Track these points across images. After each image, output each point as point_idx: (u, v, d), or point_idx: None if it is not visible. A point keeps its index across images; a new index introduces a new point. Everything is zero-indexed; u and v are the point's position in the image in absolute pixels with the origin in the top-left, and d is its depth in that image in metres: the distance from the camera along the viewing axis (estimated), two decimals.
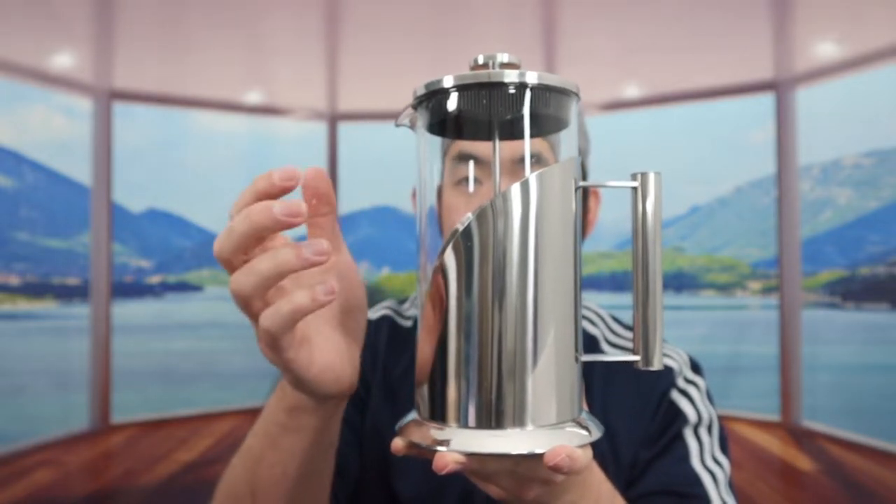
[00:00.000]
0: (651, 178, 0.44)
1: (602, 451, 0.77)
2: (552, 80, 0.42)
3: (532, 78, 0.41)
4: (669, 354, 0.83)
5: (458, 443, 0.41)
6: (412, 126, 0.46)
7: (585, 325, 0.88)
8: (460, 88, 0.42)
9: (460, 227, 0.41)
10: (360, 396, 0.84)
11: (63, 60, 4.45)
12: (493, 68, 0.42)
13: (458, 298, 0.41)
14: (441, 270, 0.42)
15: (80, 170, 5.08)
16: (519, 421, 0.41)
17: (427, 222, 0.47)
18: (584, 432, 0.42)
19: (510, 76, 0.41)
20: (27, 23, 3.90)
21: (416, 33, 4.32)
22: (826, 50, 4.31)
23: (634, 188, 0.44)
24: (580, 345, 0.44)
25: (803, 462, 3.98)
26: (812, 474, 3.77)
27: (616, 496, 0.57)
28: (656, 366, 0.43)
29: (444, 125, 0.45)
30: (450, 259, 0.41)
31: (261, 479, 0.58)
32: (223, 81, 5.22)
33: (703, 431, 0.78)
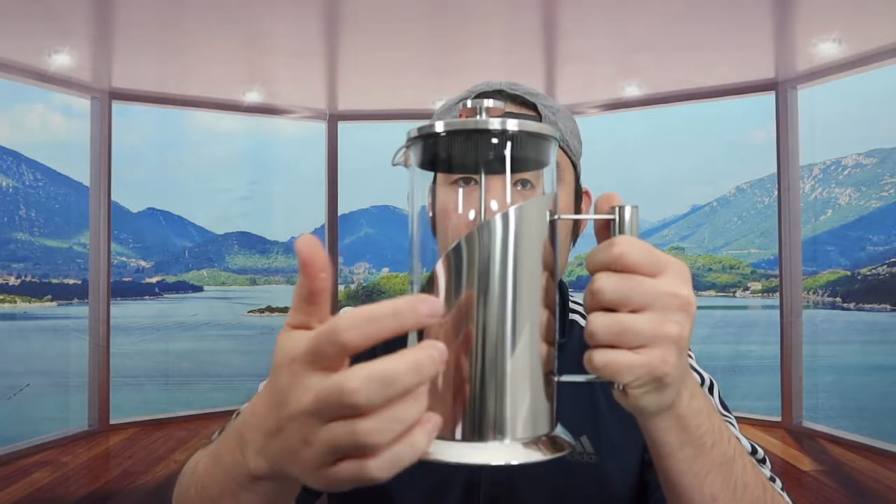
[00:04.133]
0: (627, 211, 0.48)
1: (617, 432, 0.80)
2: (532, 126, 0.46)
3: (513, 125, 0.45)
4: None
5: (443, 453, 0.44)
6: (405, 164, 0.50)
7: (579, 318, 0.91)
8: (450, 134, 0.46)
9: (449, 249, 0.45)
10: None
11: (62, 60, 4.44)
12: (481, 114, 0.47)
13: (444, 317, 0.45)
14: (429, 289, 0.45)
15: (79, 170, 5.07)
16: (498, 434, 0.44)
17: (418, 237, 0.50)
18: (551, 448, 0.46)
19: (494, 124, 0.45)
20: (26, 23, 3.89)
21: (415, 33, 4.31)
22: (826, 50, 4.30)
23: (612, 220, 0.48)
24: (555, 365, 0.48)
25: (804, 462, 3.98)
26: (813, 474, 3.77)
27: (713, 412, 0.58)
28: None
29: (434, 163, 0.50)
30: (438, 277, 0.45)
31: None
32: (223, 81, 5.21)
33: (705, 391, 0.81)
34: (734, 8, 3.80)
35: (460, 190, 0.66)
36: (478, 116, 0.47)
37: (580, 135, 0.88)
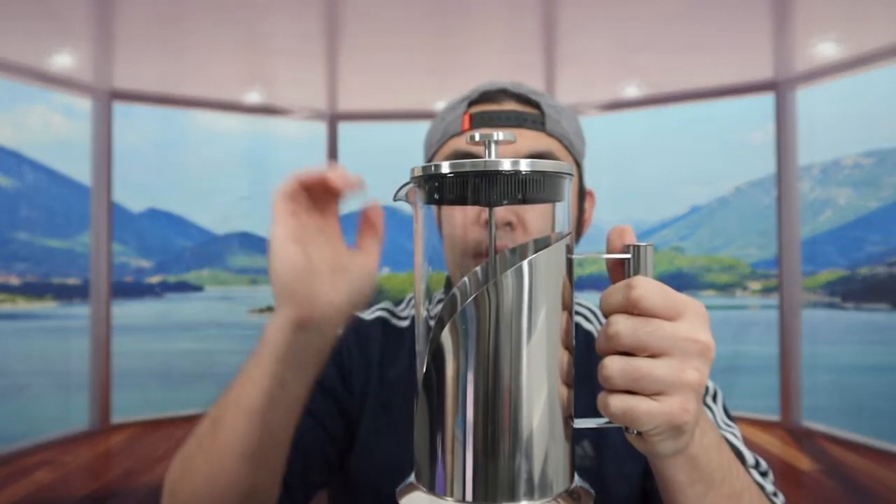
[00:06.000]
0: (643, 250, 0.46)
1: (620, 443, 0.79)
2: (546, 165, 0.44)
3: (526, 166, 0.43)
4: None
5: None
6: (409, 200, 0.48)
7: (581, 321, 0.90)
8: (458, 175, 0.44)
9: (457, 309, 0.43)
10: (339, 395, 0.84)
11: (63, 60, 4.45)
12: (489, 149, 0.45)
13: (454, 376, 0.43)
14: (437, 348, 0.43)
15: (79, 170, 5.09)
16: (511, 496, 0.42)
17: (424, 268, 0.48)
18: None
19: (505, 164, 0.43)
20: (27, 23, 3.90)
21: (416, 33, 4.32)
22: (826, 50, 4.31)
23: (626, 259, 0.46)
24: (572, 408, 0.46)
25: (803, 462, 3.98)
26: (812, 474, 3.77)
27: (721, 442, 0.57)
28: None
29: (440, 200, 0.48)
30: (446, 338, 0.43)
31: (270, 427, 0.60)
32: (223, 81, 5.21)
33: (709, 400, 0.81)
34: (734, 8, 3.80)
35: (469, 214, 0.68)
36: (485, 151, 0.45)
37: (584, 135, 0.88)
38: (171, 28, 4.15)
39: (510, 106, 0.80)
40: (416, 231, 0.48)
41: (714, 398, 0.82)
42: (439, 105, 5.42)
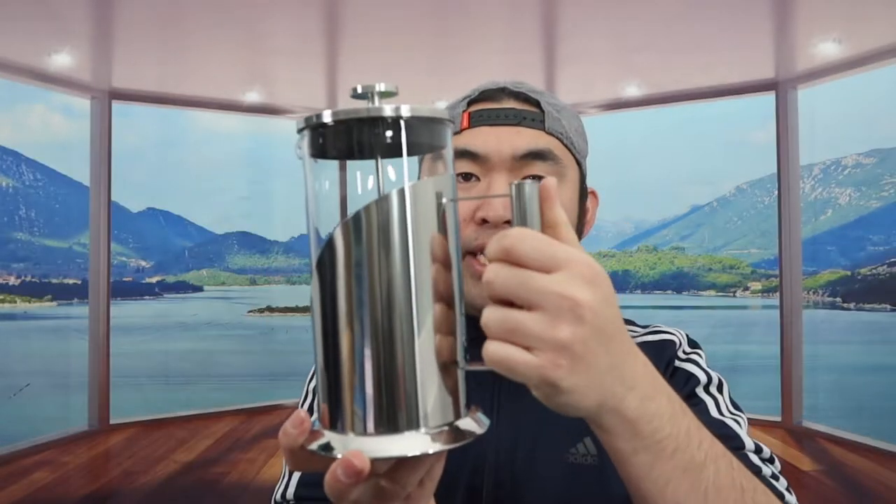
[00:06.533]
0: (524, 188, 0.45)
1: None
2: (424, 111, 0.45)
3: (406, 111, 0.44)
4: (669, 331, 0.87)
5: (356, 448, 0.43)
6: (300, 156, 0.48)
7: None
8: (339, 122, 0.45)
9: (347, 220, 0.43)
10: None
11: (62, 60, 4.44)
12: (372, 99, 0.45)
13: (348, 302, 0.43)
14: (326, 265, 0.44)
15: (79, 170, 5.08)
16: (411, 425, 0.43)
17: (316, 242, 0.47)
18: (457, 436, 0.45)
19: (387, 111, 0.43)
20: (27, 23, 3.90)
21: (416, 33, 4.31)
22: (826, 50, 4.31)
23: (510, 198, 0.46)
24: (459, 352, 0.46)
25: (804, 462, 3.98)
26: (813, 474, 3.77)
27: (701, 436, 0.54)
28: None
29: (328, 153, 0.48)
30: (337, 251, 0.43)
31: None
32: (223, 81, 5.21)
33: (713, 390, 0.81)
34: (734, 8, 3.80)
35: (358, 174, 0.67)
36: (368, 102, 0.45)
37: (586, 134, 0.87)
38: (170, 28, 4.15)
39: (510, 104, 0.80)
40: (306, 187, 0.48)
41: (719, 388, 0.82)
42: (440, 105, 5.41)
